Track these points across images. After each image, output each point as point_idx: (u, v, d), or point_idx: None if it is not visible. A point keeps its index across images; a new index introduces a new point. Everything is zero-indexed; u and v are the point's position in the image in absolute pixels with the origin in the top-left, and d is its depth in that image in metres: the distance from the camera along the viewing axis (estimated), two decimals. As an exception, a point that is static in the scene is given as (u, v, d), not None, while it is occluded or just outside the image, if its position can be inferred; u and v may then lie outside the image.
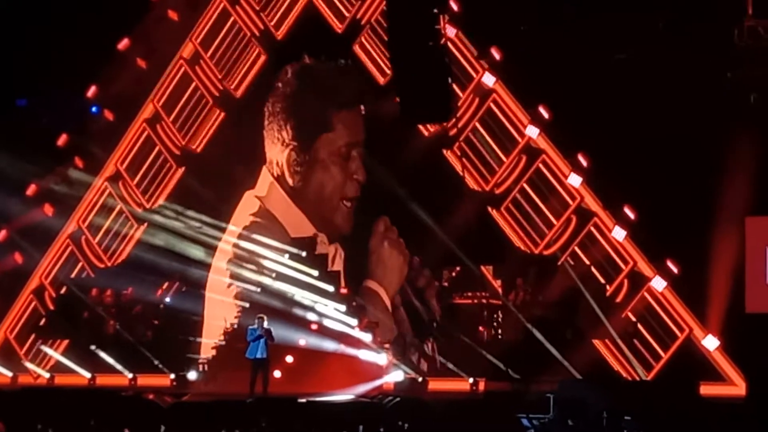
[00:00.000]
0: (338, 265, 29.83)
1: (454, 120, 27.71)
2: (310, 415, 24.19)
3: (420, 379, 28.67)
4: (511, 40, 28.43)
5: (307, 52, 29.57)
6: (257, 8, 32.02)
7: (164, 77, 32.71)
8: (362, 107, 29.36)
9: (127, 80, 32.61)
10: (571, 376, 26.37)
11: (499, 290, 28.65)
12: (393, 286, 29.02)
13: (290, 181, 29.71)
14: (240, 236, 29.92)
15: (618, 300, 27.49)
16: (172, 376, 30.90)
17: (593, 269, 27.80)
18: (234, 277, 29.90)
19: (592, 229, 27.98)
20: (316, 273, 29.81)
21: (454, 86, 27.56)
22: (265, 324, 26.93)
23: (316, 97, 29.40)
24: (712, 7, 25.97)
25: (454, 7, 28.39)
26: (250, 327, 27.02)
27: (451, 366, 28.11)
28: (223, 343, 30.30)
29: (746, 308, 25.43)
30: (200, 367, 30.56)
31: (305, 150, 29.48)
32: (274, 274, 29.84)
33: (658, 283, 27.10)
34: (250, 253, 29.59)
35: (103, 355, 31.50)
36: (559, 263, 28.11)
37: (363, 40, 30.49)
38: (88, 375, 31.79)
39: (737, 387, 26.14)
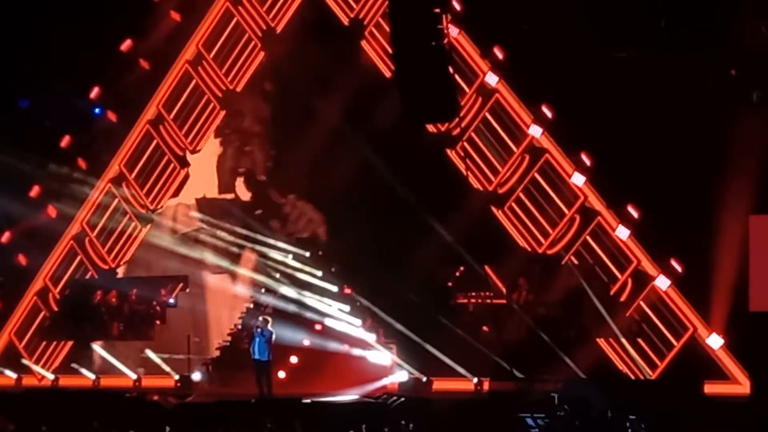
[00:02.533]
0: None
1: (457, 120, 27.68)
2: (315, 416, 24.24)
3: (424, 379, 28.68)
4: (513, 39, 28.42)
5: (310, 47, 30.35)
6: (260, 8, 32.03)
7: (167, 78, 32.69)
8: None
9: (130, 81, 32.61)
10: (575, 376, 26.36)
11: (503, 290, 28.62)
12: None
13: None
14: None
15: (622, 299, 27.46)
16: (177, 377, 30.92)
17: (597, 268, 27.77)
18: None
19: (596, 228, 27.95)
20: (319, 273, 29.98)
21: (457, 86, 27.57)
22: (270, 326, 26.97)
23: None
24: (715, 5, 25.92)
25: (457, 6, 28.38)
26: (255, 329, 27.11)
27: (448, 360, 28.16)
28: (228, 343, 30.43)
29: (750, 307, 25.40)
30: (205, 367, 30.69)
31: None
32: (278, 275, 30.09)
33: (662, 282, 27.07)
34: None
35: (107, 356, 31.54)
36: (563, 262, 28.09)
37: (367, 35, 30.48)
38: (92, 376, 31.83)
39: (741, 386, 26.11)
